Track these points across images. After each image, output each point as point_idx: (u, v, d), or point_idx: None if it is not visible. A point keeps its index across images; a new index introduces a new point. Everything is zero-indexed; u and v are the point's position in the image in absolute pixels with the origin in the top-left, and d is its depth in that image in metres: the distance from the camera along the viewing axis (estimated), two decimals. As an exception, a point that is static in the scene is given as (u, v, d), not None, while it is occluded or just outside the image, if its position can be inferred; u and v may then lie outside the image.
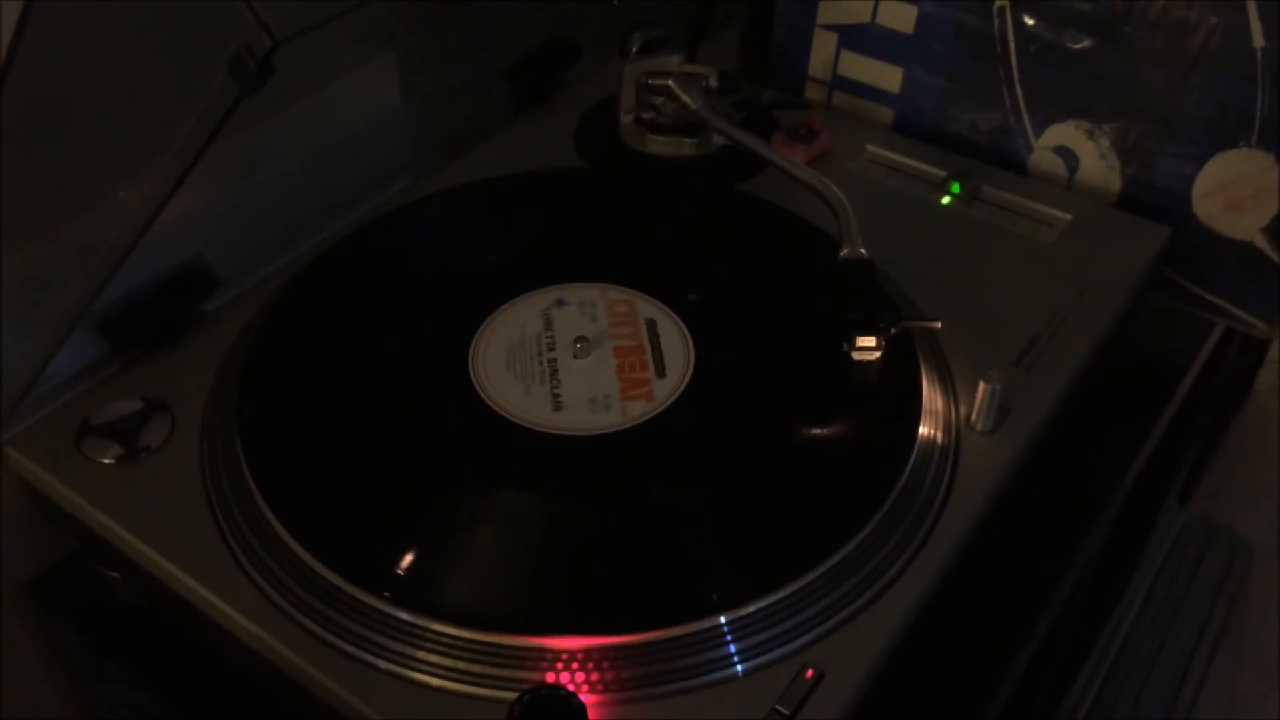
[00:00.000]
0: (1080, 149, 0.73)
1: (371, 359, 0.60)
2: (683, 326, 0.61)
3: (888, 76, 0.78)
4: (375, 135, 0.75)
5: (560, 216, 0.71)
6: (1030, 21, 0.71)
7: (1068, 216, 0.70)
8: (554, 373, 0.58)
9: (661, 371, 0.58)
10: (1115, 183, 0.73)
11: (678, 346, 0.60)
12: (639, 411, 0.56)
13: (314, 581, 0.49)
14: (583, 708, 0.44)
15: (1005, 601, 0.59)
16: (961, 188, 0.71)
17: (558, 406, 0.57)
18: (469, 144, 0.77)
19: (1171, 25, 0.67)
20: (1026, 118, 0.74)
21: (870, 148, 0.76)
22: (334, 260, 0.65)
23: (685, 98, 0.73)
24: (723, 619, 0.48)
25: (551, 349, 0.60)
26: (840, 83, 0.81)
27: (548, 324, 0.61)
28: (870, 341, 0.57)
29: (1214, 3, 0.65)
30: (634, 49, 0.77)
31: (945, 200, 0.71)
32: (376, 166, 0.76)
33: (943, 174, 0.72)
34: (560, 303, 0.63)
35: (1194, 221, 0.72)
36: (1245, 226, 0.70)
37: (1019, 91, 0.74)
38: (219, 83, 0.37)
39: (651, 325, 0.61)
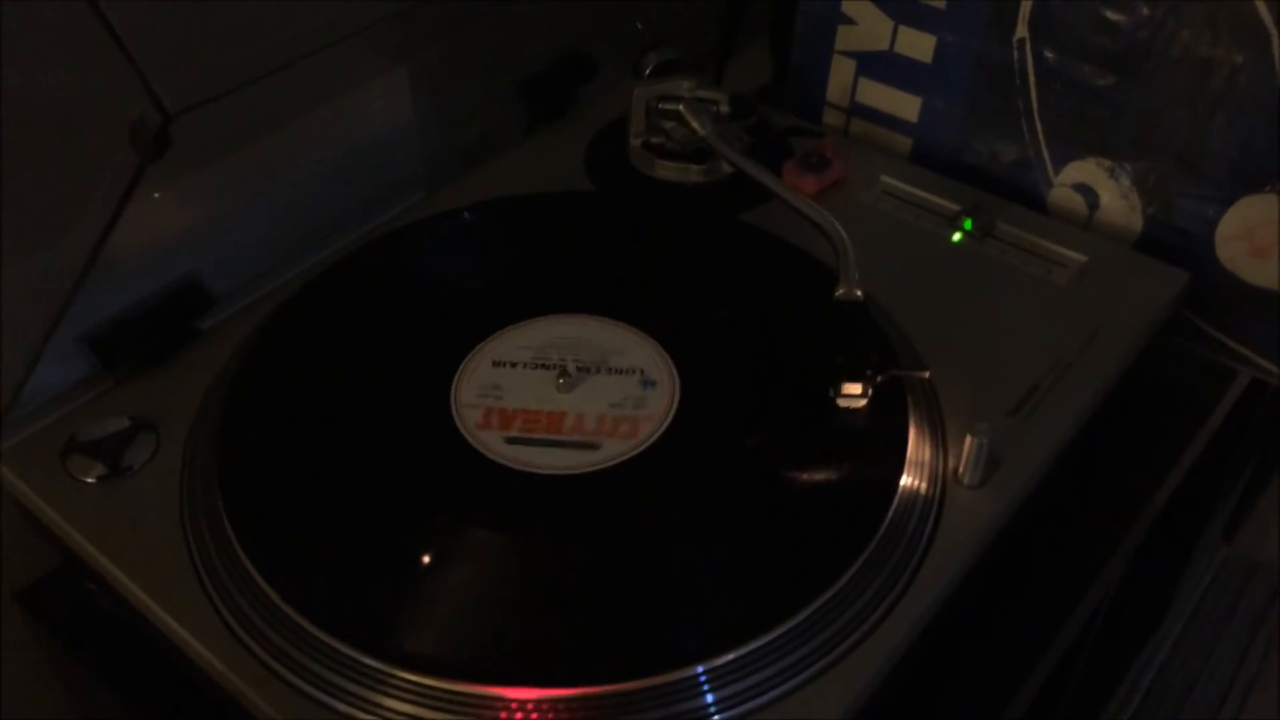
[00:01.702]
0: (1101, 187, 0.71)
1: (353, 390, 0.59)
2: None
3: (906, 105, 0.76)
4: (384, 151, 0.74)
5: (556, 243, 0.70)
6: (1050, 55, 0.69)
7: (1082, 258, 0.68)
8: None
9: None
10: (1136, 223, 0.71)
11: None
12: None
13: (276, 617, 0.49)
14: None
15: (1003, 648, 0.58)
16: (974, 224, 0.69)
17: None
18: (481, 160, 0.76)
19: (1195, 63, 0.64)
20: (1046, 152, 0.72)
21: (885, 178, 0.74)
22: (324, 284, 0.65)
23: (694, 123, 0.71)
24: (700, 668, 0.47)
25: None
26: (858, 110, 0.79)
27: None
28: (856, 389, 0.56)
29: (1238, 41, 0.62)
30: (647, 71, 0.75)
31: (956, 237, 0.69)
32: (386, 182, 0.75)
33: (957, 208, 0.70)
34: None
35: (1217, 266, 0.69)
36: (1270, 274, 0.67)
37: (1038, 125, 0.71)
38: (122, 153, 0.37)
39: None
